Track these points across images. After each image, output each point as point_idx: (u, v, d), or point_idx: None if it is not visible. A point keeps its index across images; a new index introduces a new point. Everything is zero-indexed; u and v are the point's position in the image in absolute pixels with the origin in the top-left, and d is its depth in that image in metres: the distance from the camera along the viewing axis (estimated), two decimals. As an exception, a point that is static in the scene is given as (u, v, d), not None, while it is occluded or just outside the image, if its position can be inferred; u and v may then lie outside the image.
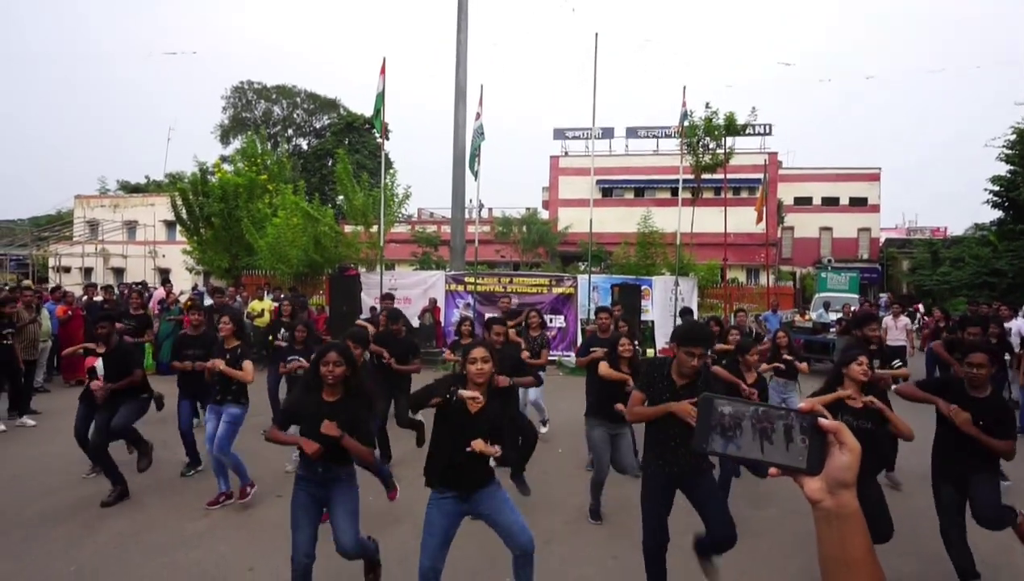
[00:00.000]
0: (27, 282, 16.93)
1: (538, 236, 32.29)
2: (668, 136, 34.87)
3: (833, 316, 16.84)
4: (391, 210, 17.63)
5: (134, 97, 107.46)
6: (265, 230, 17.37)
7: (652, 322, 15.93)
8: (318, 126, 50.09)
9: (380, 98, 14.58)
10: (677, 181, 17.65)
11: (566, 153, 38.71)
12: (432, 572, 3.49)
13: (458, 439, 3.42)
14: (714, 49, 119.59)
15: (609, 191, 37.24)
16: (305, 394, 3.86)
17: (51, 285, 17.21)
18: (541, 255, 32.46)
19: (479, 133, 16.85)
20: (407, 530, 5.38)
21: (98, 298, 13.45)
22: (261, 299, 14.12)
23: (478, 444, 3.35)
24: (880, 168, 38.82)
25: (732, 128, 18.98)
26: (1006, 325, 10.46)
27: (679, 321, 13.83)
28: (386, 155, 16.83)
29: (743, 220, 25.15)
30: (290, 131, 49.46)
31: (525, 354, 7.06)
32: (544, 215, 36.91)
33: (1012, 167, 24.54)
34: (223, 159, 32.47)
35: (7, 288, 13.43)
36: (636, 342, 6.06)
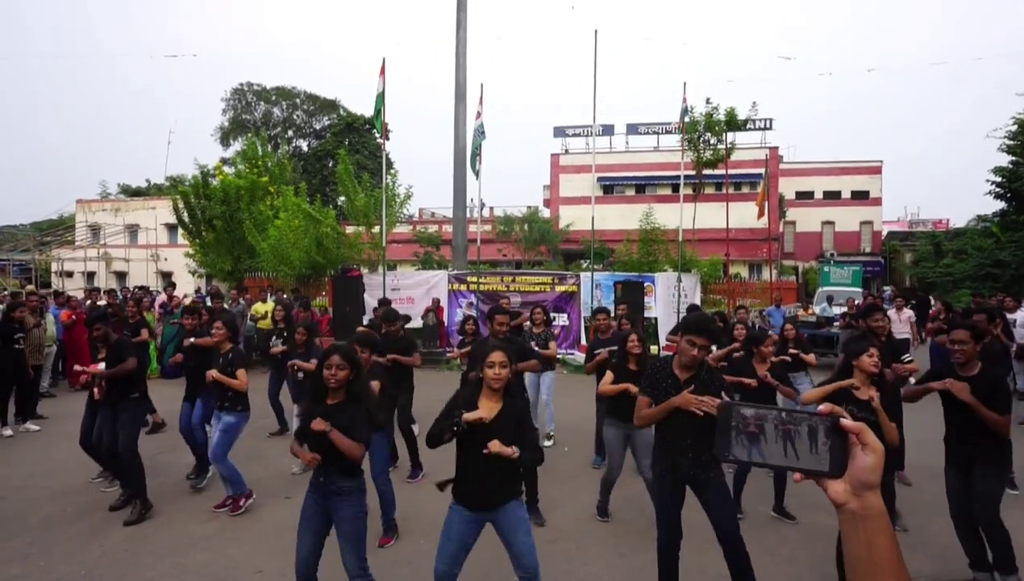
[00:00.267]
0: (31, 287, 16.96)
1: (540, 234, 32.28)
2: (669, 132, 34.85)
3: (837, 310, 16.82)
4: (392, 210, 17.63)
5: (134, 100, 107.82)
6: (267, 232, 17.38)
7: (655, 319, 15.92)
8: (318, 127, 50.13)
9: (380, 98, 14.58)
10: (678, 177, 17.62)
11: (567, 151, 38.69)
12: (448, 577, 3.46)
13: (480, 451, 3.34)
14: (714, 44, 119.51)
15: (610, 188, 37.22)
16: (315, 403, 3.81)
17: (54, 290, 17.26)
18: (543, 253, 32.45)
19: (480, 132, 16.86)
20: (418, 531, 5.40)
21: (101, 302, 13.47)
22: (264, 301, 14.14)
23: (495, 445, 3.29)
24: (882, 161, 38.77)
25: (733, 123, 18.98)
26: (1010, 316, 10.45)
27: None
28: (387, 155, 16.84)
29: (745, 215, 25.13)
30: (290, 132, 49.47)
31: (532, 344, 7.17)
32: (545, 213, 36.89)
33: (1014, 158, 24.43)
34: (224, 161, 32.49)
35: (6, 293, 13.48)
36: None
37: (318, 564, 3.74)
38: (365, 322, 13.66)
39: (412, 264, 24.70)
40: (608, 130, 36.72)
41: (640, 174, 36.88)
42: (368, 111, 37.16)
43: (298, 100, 49.92)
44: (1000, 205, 25.93)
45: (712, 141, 19.22)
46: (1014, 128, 24.43)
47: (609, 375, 5.55)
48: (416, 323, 14.78)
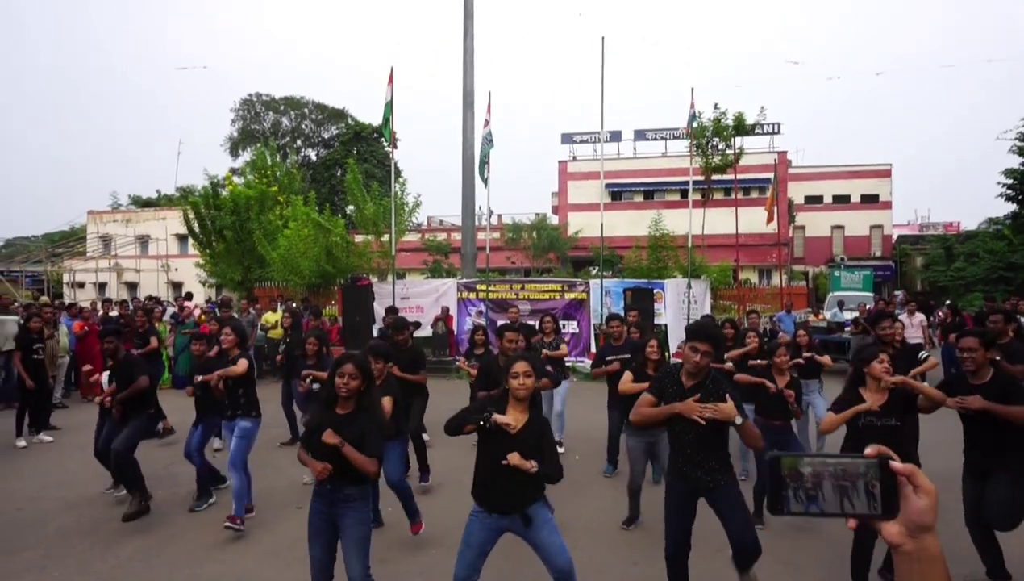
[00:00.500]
0: (44, 298, 17.08)
1: (548, 241, 32.28)
2: (676, 138, 34.81)
3: (848, 315, 16.72)
4: (401, 219, 17.68)
5: (144, 112, 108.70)
6: (277, 242, 17.47)
7: (665, 325, 15.87)
8: (326, 136, 50.36)
9: (388, 107, 14.64)
10: (687, 183, 17.61)
11: (574, 157, 38.70)
12: None
13: (500, 460, 3.34)
14: (722, 49, 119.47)
15: (618, 194, 37.20)
16: (322, 410, 3.81)
17: (68, 302, 17.37)
18: (552, 260, 32.44)
19: (488, 140, 16.89)
20: (430, 541, 5.39)
21: (113, 313, 13.57)
22: (275, 311, 14.19)
23: (514, 458, 3.28)
24: (891, 164, 38.60)
25: (741, 128, 18.92)
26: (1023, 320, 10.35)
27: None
28: (395, 164, 16.90)
29: (754, 220, 25.06)
30: (299, 142, 49.73)
31: (545, 353, 7.25)
32: (554, 220, 36.90)
33: (1025, 159, 24.35)
34: (233, 172, 32.72)
35: (17, 304, 13.58)
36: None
37: (333, 571, 3.73)
38: (375, 331, 13.72)
39: (421, 272, 24.79)
40: (616, 136, 36.70)
41: (648, 180, 36.82)
42: (376, 120, 37.33)
43: (306, 110, 50.18)
44: (1012, 207, 25.78)
45: (720, 146, 19.16)
46: (1024, 130, 24.33)
47: (628, 375, 5.53)
48: (425, 331, 14.78)
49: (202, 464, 6.36)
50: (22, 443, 8.65)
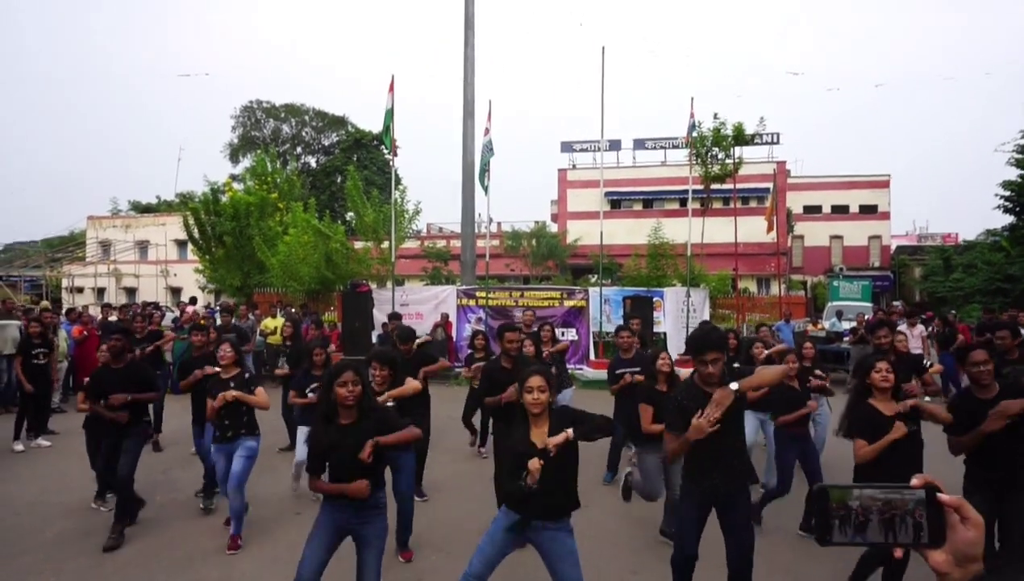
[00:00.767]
0: (45, 303, 17.09)
1: (547, 249, 32.31)
2: (676, 147, 34.90)
3: (846, 325, 16.75)
4: (401, 226, 17.71)
5: (144, 117, 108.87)
6: (276, 248, 17.48)
7: (664, 334, 15.90)
8: (327, 143, 50.49)
9: (389, 115, 14.70)
10: (686, 192, 17.67)
11: (574, 166, 38.78)
12: (477, 580, 3.41)
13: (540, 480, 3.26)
14: (722, 59, 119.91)
15: (618, 203, 37.26)
16: (325, 427, 3.63)
17: (65, 306, 17.35)
18: (551, 268, 32.46)
19: (488, 148, 16.94)
20: (430, 546, 5.38)
21: (113, 318, 13.55)
22: (274, 317, 14.19)
23: (550, 442, 3.27)
24: (890, 175, 38.67)
25: (740, 138, 18.99)
26: (1024, 331, 10.37)
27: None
28: (395, 171, 16.93)
29: (753, 230, 25.11)
30: (299, 149, 49.85)
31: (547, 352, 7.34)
32: (553, 228, 36.95)
33: (1022, 172, 24.41)
34: (233, 178, 32.74)
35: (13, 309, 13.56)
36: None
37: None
38: (375, 337, 13.72)
39: (421, 279, 24.80)
40: (615, 145, 36.77)
41: (648, 189, 36.90)
42: (376, 127, 37.49)
43: (307, 117, 50.32)
44: (1010, 219, 25.85)
45: (720, 156, 19.22)
46: (1022, 142, 24.42)
47: (647, 410, 5.31)
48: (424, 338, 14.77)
49: (214, 465, 6.32)
50: (19, 447, 8.65)
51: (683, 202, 27.02)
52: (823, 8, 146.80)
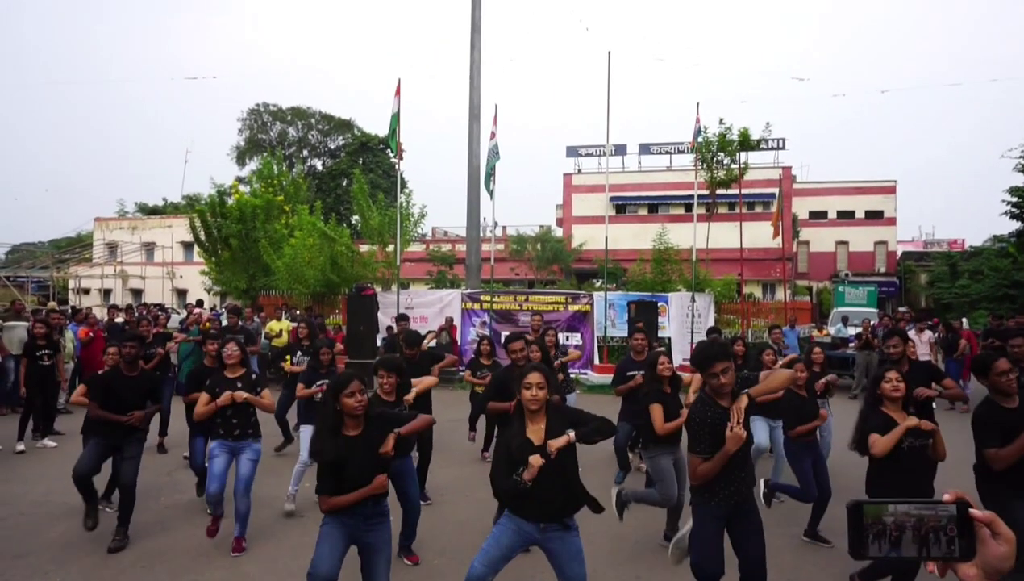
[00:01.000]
0: (52, 304, 17.17)
1: (552, 253, 32.33)
2: (681, 152, 34.92)
3: (852, 331, 16.71)
4: (406, 229, 17.74)
5: (151, 120, 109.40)
6: (282, 250, 17.53)
7: (669, 339, 15.87)
8: (332, 147, 50.65)
9: (395, 118, 14.74)
10: (691, 197, 17.65)
11: (579, 170, 38.79)
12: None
13: (540, 478, 3.23)
14: (728, 65, 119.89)
15: (623, 208, 37.25)
16: (334, 439, 3.55)
17: (71, 306, 17.43)
18: (555, 273, 32.47)
19: (494, 152, 16.96)
20: (432, 550, 5.38)
21: (119, 319, 13.61)
22: (279, 319, 14.22)
23: (552, 445, 3.24)
24: (896, 181, 38.56)
25: (746, 143, 18.99)
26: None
27: (700, 338, 13.72)
28: (401, 174, 16.97)
29: (758, 235, 25.08)
30: (305, 152, 50.04)
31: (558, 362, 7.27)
32: (558, 232, 36.97)
33: (1029, 178, 24.38)
34: (240, 180, 32.88)
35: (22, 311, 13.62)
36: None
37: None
38: (379, 340, 13.73)
39: (425, 282, 24.81)
40: (621, 150, 36.79)
41: (653, 194, 36.88)
42: (382, 131, 37.50)
43: (313, 120, 50.51)
44: (1016, 225, 25.79)
45: (725, 161, 19.21)
46: (1030, 148, 24.37)
47: (658, 410, 5.23)
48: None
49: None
50: (21, 447, 8.67)
51: (688, 207, 26.98)
52: (829, 14, 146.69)
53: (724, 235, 23.31)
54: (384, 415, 3.80)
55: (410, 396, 5.13)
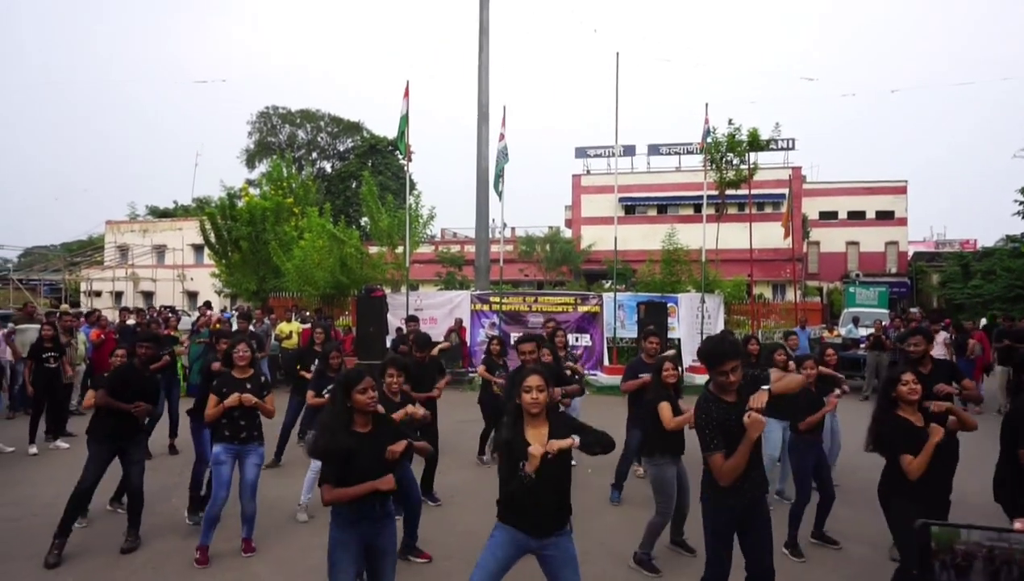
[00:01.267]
0: (64, 307, 17.30)
1: (561, 254, 32.30)
2: (690, 153, 34.84)
3: (863, 331, 16.61)
4: (416, 231, 17.78)
5: (162, 123, 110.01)
6: (292, 253, 17.60)
7: (679, 339, 15.82)
8: (342, 149, 50.82)
9: (404, 121, 14.76)
10: (700, 197, 17.62)
11: (588, 171, 38.77)
12: None
13: (538, 481, 3.17)
14: (737, 65, 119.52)
15: (632, 208, 37.20)
16: (343, 436, 3.48)
17: (84, 309, 17.55)
18: (565, 274, 32.44)
19: (503, 154, 16.97)
20: (438, 553, 5.38)
21: (131, 321, 13.69)
22: (289, 321, 14.27)
23: (554, 445, 3.17)
24: (907, 181, 38.33)
25: (755, 143, 18.91)
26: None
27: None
28: (410, 176, 17.01)
29: (768, 235, 24.98)
30: (314, 154, 50.22)
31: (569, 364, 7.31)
32: (567, 233, 36.94)
33: (1042, 178, 24.16)
34: (250, 183, 33.04)
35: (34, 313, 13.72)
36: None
37: None
38: (388, 342, 13.74)
39: (435, 284, 24.84)
40: (629, 150, 36.75)
41: (662, 194, 36.83)
42: (391, 133, 37.68)
43: (322, 122, 50.69)
44: (1029, 225, 25.60)
45: (735, 161, 19.14)
46: (1042, 148, 24.15)
47: (666, 407, 5.20)
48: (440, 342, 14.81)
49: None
50: (34, 450, 8.71)
51: (698, 208, 26.91)
52: (838, 13, 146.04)
53: (734, 236, 23.21)
54: (396, 426, 3.75)
55: (419, 411, 4.96)
